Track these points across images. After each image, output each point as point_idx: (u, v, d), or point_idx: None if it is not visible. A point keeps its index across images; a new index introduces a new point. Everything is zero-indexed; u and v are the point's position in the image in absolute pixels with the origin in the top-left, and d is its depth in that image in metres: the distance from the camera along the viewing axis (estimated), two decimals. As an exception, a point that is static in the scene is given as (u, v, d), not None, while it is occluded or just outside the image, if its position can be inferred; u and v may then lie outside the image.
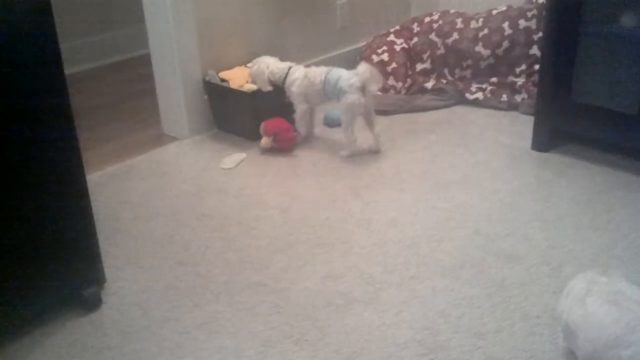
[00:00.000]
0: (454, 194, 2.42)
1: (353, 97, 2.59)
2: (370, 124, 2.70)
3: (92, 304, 1.86)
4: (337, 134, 2.90)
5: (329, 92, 2.70)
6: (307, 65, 2.88)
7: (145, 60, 3.09)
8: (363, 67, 2.62)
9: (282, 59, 2.86)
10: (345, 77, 2.64)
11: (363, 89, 2.59)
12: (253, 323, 1.80)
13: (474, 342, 1.71)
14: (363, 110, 2.64)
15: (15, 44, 1.55)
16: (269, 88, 2.79)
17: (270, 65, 2.79)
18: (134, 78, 3.67)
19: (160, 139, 2.96)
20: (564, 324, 1.40)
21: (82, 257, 1.83)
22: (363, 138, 2.73)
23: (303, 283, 1.96)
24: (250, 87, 2.81)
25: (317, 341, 1.73)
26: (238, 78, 2.86)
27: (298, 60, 3.03)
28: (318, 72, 2.72)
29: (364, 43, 3.51)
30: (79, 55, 3.72)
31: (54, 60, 1.63)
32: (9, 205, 1.63)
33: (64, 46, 1.65)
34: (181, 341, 1.75)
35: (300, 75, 2.76)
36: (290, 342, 1.73)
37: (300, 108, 2.80)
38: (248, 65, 2.93)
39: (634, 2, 2.34)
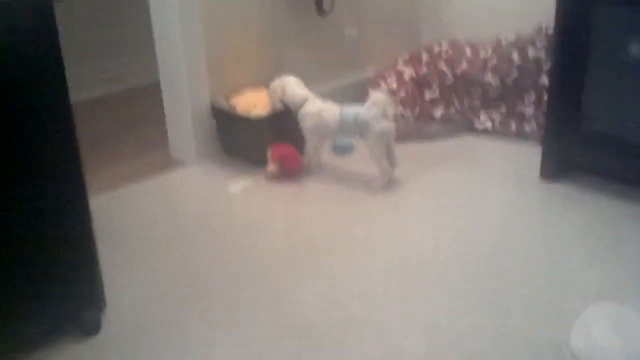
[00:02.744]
0: (459, 222, 2.40)
1: (382, 126, 2.58)
2: (390, 151, 2.68)
3: (92, 328, 1.85)
4: (343, 161, 2.91)
5: (348, 130, 2.69)
6: (314, 91, 2.88)
7: (151, 89, 3.12)
8: (378, 95, 2.63)
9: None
10: (362, 111, 2.63)
11: (385, 116, 2.59)
12: (253, 346, 1.78)
13: (477, 373, 1.68)
14: (392, 136, 2.64)
15: (20, 69, 1.56)
16: (279, 106, 2.81)
17: (287, 88, 2.80)
18: (141, 106, 3.69)
19: (168, 163, 2.97)
20: (570, 352, 1.39)
21: (82, 281, 1.82)
22: (369, 167, 2.71)
23: (305, 308, 1.94)
24: (257, 113, 2.82)
25: (317, 369, 1.71)
26: (245, 103, 2.87)
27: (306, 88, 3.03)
28: (332, 113, 2.71)
29: (372, 71, 3.52)
30: (84, 83, 3.74)
31: (59, 85, 1.64)
32: (10, 227, 1.63)
33: (70, 73, 1.66)
34: (179, 367, 1.73)
35: (314, 111, 2.75)
36: (290, 370, 1.71)
37: (312, 142, 2.80)
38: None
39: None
